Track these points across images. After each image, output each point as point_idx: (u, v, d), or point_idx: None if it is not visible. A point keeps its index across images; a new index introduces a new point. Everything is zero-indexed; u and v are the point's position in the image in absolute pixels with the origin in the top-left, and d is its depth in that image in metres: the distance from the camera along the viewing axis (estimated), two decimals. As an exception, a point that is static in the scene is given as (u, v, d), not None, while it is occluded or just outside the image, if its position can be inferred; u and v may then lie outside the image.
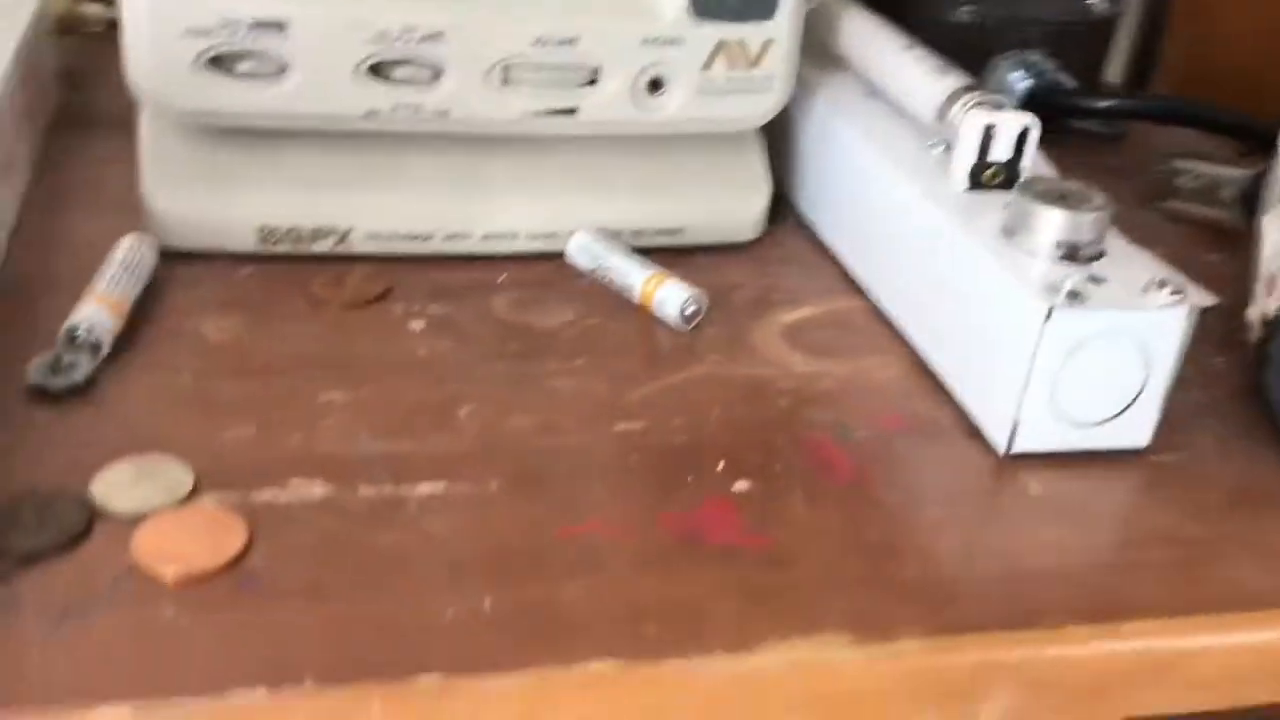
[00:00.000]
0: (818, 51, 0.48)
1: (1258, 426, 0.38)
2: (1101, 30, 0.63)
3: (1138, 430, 0.35)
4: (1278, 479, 0.36)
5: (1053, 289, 0.33)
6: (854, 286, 0.44)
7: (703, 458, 0.34)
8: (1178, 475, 0.36)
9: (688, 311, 0.40)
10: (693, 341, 0.40)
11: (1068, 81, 0.58)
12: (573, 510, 0.31)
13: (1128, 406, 0.35)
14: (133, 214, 0.40)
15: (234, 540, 0.29)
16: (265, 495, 0.31)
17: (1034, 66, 0.58)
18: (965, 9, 0.59)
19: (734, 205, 0.45)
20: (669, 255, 0.43)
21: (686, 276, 0.41)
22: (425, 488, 0.31)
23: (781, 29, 0.42)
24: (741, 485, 0.33)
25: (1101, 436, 0.35)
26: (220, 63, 0.38)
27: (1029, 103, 0.58)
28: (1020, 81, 0.58)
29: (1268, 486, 0.35)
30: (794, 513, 0.32)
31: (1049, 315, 0.33)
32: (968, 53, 0.55)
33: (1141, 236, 0.37)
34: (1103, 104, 0.58)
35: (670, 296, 0.40)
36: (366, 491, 0.31)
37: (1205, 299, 0.34)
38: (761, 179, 0.46)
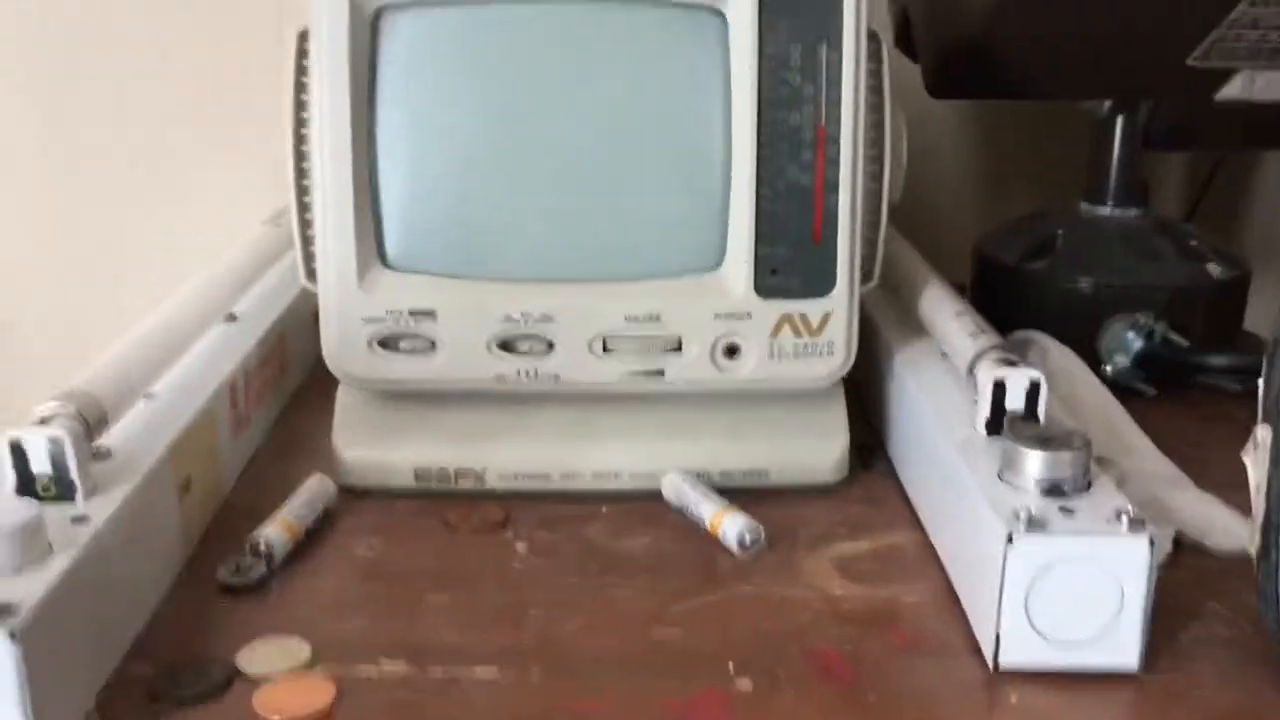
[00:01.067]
0: (903, 314, 0.55)
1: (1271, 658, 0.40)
2: (1228, 290, 0.66)
3: (1124, 652, 0.39)
4: (1272, 709, 0.38)
5: (1015, 517, 0.38)
6: (917, 522, 0.49)
7: (718, 660, 0.40)
8: (1164, 698, 0.38)
9: (745, 540, 0.47)
10: (747, 566, 0.46)
11: (1180, 340, 0.62)
12: (590, 693, 0.38)
13: (1106, 629, 0.38)
14: (326, 459, 0.52)
15: (324, 699, 0.38)
16: (360, 670, 0.40)
17: (1144, 327, 0.62)
18: (1084, 281, 0.64)
19: (815, 451, 0.52)
20: (756, 495, 0.50)
21: (766, 513, 0.48)
22: (481, 671, 0.39)
23: (839, 303, 0.50)
24: (743, 683, 0.39)
25: (1088, 656, 0.39)
26: (386, 343, 0.50)
27: (1143, 361, 0.62)
28: (1134, 341, 0.62)
29: (1260, 715, 0.37)
30: (782, 708, 0.38)
31: (1009, 539, 0.38)
32: (1089, 318, 0.61)
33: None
34: (1213, 361, 0.61)
35: (731, 526, 0.47)
36: (435, 672, 0.39)
37: (1166, 532, 0.38)
38: (840, 428, 0.53)
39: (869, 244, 0.51)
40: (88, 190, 0.82)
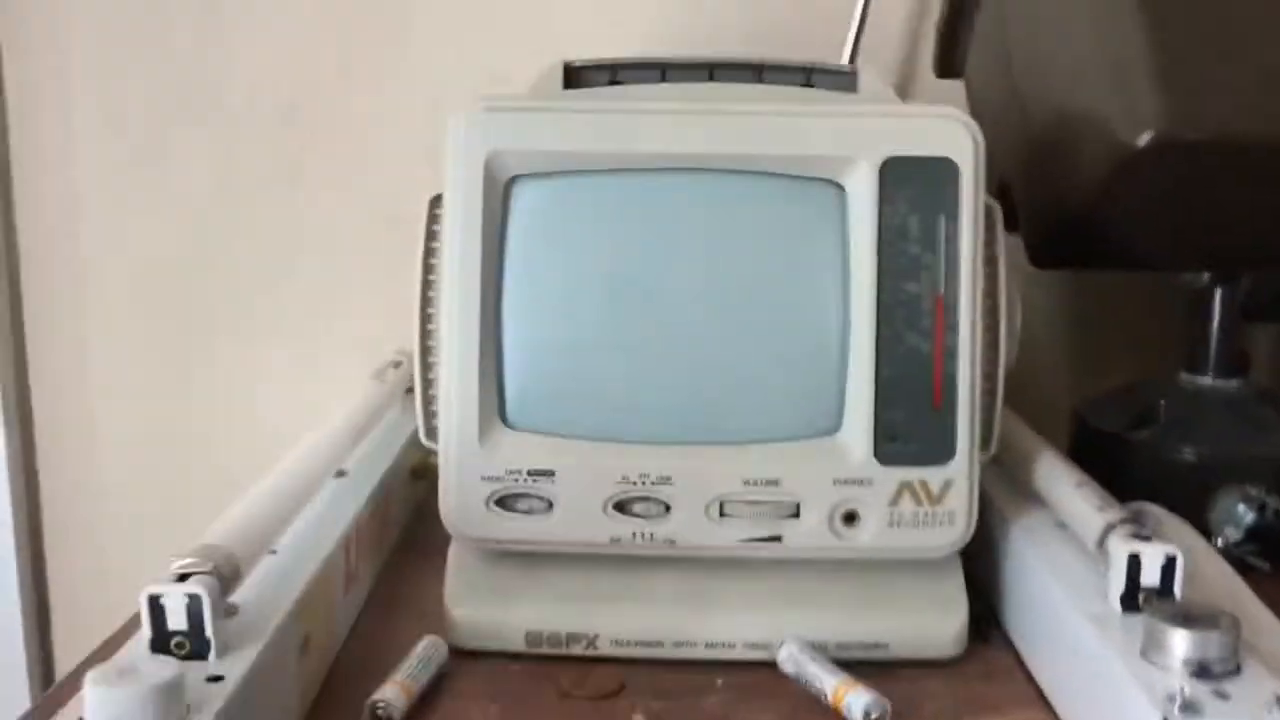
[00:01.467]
0: (1018, 485, 0.55)
1: None
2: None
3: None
4: None
5: (1170, 700, 0.37)
6: (1043, 699, 0.48)
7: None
8: None
9: (872, 715, 0.45)
10: (874, 742, 0.45)
11: (1294, 514, 0.60)
12: None
13: (1265, 820, 0.37)
14: (437, 619, 0.52)
15: None
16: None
17: (1255, 499, 0.61)
18: (1189, 451, 0.64)
19: (933, 624, 0.51)
20: (875, 668, 0.49)
21: (885, 687, 0.47)
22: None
23: (959, 471, 0.49)
24: None
25: None
26: (504, 502, 0.50)
27: (1254, 534, 0.60)
28: (1245, 514, 0.61)
29: None
30: None
31: (1166, 724, 0.37)
32: (1196, 489, 0.60)
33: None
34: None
35: (856, 701, 0.46)
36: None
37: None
38: (959, 601, 0.52)
39: (986, 411, 0.51)
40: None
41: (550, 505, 0.50)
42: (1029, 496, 0.55)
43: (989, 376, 0.51)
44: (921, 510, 0.50)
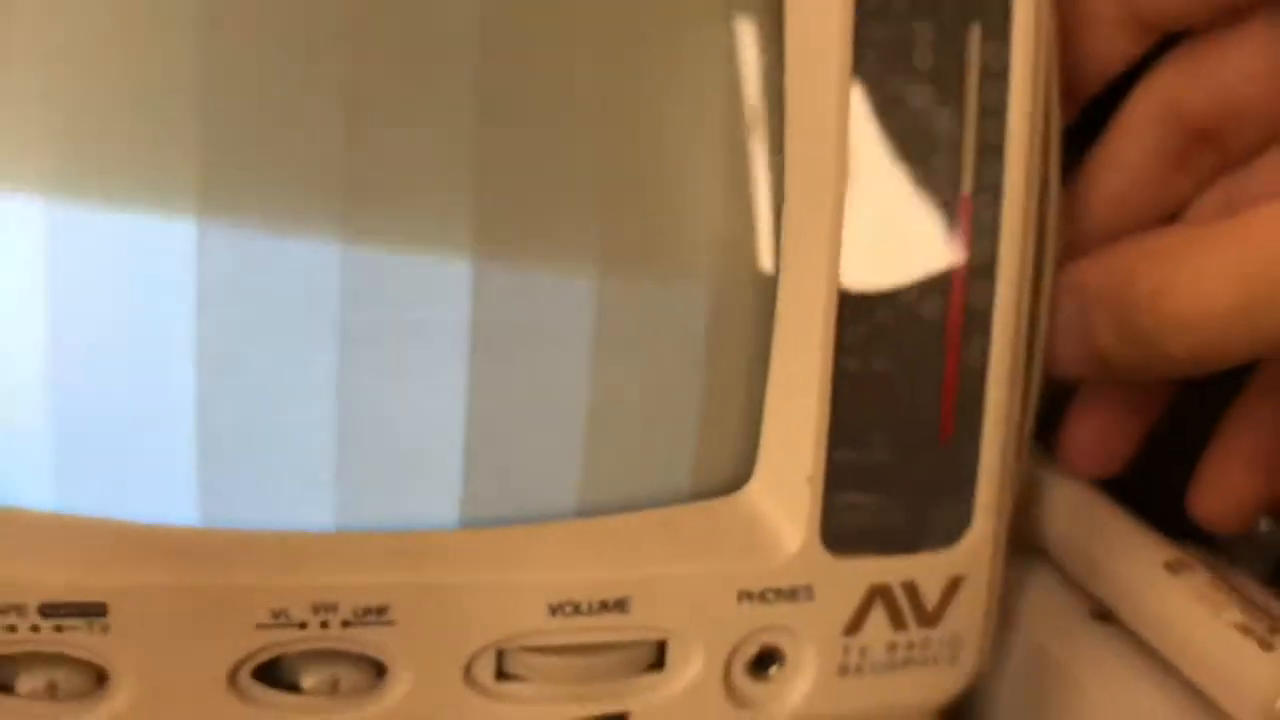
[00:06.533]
0: (1038, 578, 0.30)
1: None
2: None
3: None
4: None
5: None
6: None
7: None
8: None
9: None
10: None
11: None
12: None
13: None
14: None
15: None
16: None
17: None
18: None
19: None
20: None
21: None
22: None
23: (976, 557, 0.24)
24: None
25: None
26: (-15, 676, 0.21)
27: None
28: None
29: None
30: None
31: None
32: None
33: None
34: None
35: None
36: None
37: None
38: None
39: (1019, 443, 0.26)
40: None
41: (101, 679, 0.21)
42: (1068, 588, 0.30)
43: (1028, 373, 0.26)
44: (902, 638, 0.25)
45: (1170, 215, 0.28)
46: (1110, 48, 0.26)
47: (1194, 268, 0.22)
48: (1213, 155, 0.27)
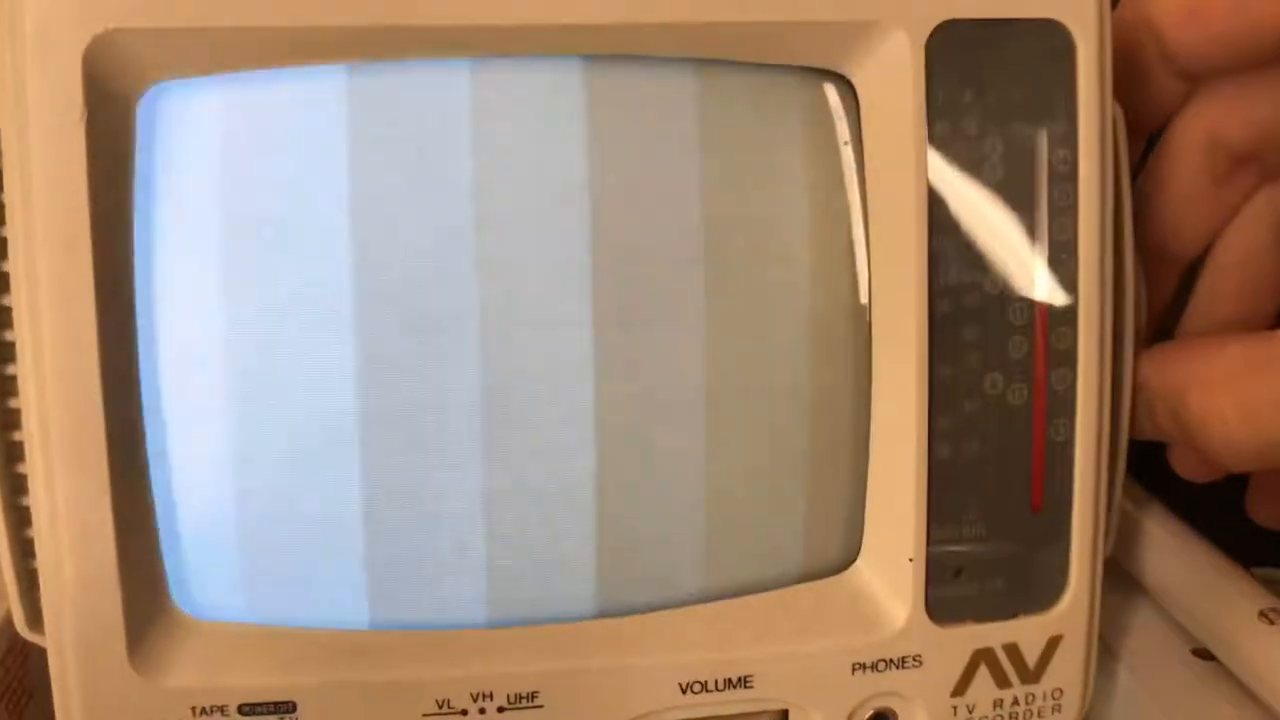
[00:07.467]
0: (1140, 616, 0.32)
1: None
2: None
3: None
4: None
5: None
6: None
7: None
8: None
9: None
10: None
11: None
12: None
13: None
14: None
15: None
16: None
17: None
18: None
19: None
20: None
21: None
22: None
23: (1073, 618, 0.26)
24: None
25: None
26: (195, 767, 0.24)
27: None
28: None
29: None
30: None
31: None
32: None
33: None
34: None
35: None
36: None
37: None
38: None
39: (1108, 507, 0.27)
40: None
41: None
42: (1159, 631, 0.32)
43: (1114, 442, 0.27)
44: (1007, 695, 0.27)
45: (1220, 228, 0.30)
46: (1164, 94, 0.28)
47: (1245, 401, 0.24)
48: (1255, 171, 0.29)
